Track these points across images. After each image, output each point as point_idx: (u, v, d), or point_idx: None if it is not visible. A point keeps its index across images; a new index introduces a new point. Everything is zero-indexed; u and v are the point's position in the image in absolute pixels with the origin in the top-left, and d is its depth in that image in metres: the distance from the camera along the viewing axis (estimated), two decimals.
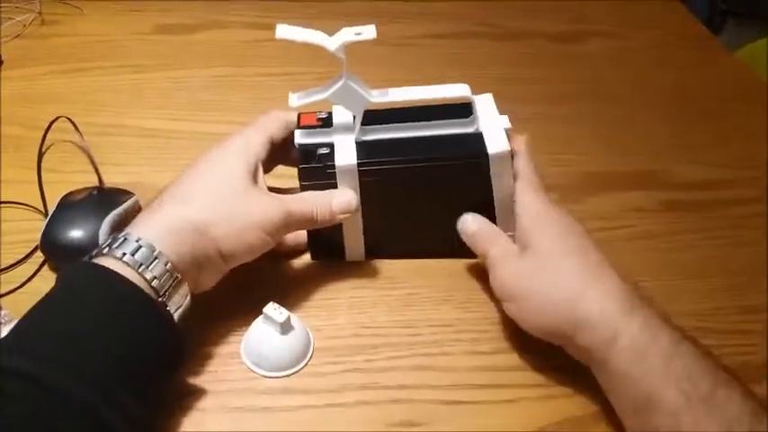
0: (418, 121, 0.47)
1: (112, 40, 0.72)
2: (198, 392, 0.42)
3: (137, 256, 0.37)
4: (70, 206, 0.49)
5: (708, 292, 0.50)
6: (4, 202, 0.52)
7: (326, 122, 0.47)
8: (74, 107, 0.59)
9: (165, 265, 0.38)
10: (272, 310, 0.42)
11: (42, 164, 0.54)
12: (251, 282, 0.48)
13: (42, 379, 0.32)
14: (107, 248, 0.38)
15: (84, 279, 0.37)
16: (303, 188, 0.46)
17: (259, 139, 0.45)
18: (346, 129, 0.46)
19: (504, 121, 0.47)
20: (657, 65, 0.77)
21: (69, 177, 0.54)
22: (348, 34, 0.42)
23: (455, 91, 0.46)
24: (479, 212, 0.48)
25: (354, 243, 0.49)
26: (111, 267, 0.37)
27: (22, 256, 0.48)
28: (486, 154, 0.45)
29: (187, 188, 0.42)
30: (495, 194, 0.47)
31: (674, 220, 0.56)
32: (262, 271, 0.49)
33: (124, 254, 0.37)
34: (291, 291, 0.48)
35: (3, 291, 0.46)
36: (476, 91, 0.47)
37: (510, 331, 0.47)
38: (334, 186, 0.46)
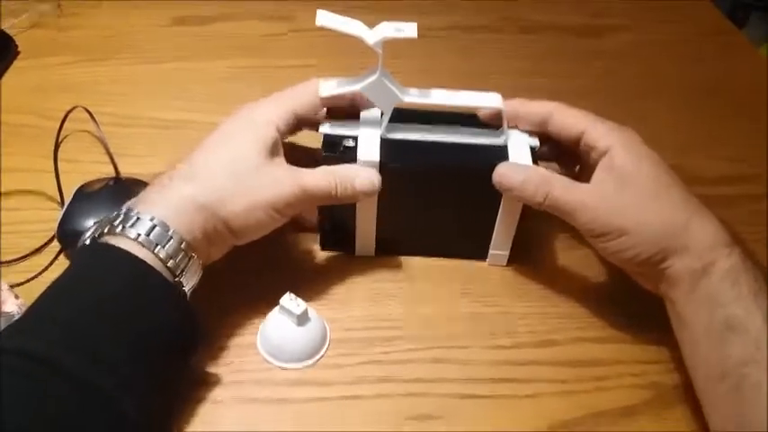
0: (446, 124, 0.46)
1: (130, 31, 0.72)
2: (214, 383, 0.41)
3: (152, 236, 0.37)
4: (87, 196, 0.49)
5: None
6: (21, 192, 0.52)
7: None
8: (90, 97, 0.59)
9: (180, 244, 0.38)
10: (289, 301, 0.42)
11: (59, 154, 0.54)
12: (268, 273, 0.48)
13: (55, 362, 0.32)
14: (120, 227, 0.37)
15: (101, 262, 0.37)
16: None
17: (280, 112, 0.44)
18: (373, 124, 0.46)
19: (533, 141, 0.46)
20: (679, 59, 0.75)
21: (86, 167, 0.54)
22: (388, 30, 0.41)
23: (488, 100, 0.46)
24: (481, 222, 0.47)
25: (366, 238, 0.49)
26: (126, 248, 0.36)
27: (39, 245, 0.48)
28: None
29: (198, 164, 0.41)
30: (500, 210, 0.46)
31: None
32: (279, 262, 0.49)
33: (139, 234, 0.37)
34: (308, 282, 0.47)
35: (19, 280, 0.46)
36: (499, 91, 0.46)
37: (527, 326, 0.46)
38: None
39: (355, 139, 0.45)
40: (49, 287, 0.36)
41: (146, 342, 0.36)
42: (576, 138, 0.45)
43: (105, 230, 0.38)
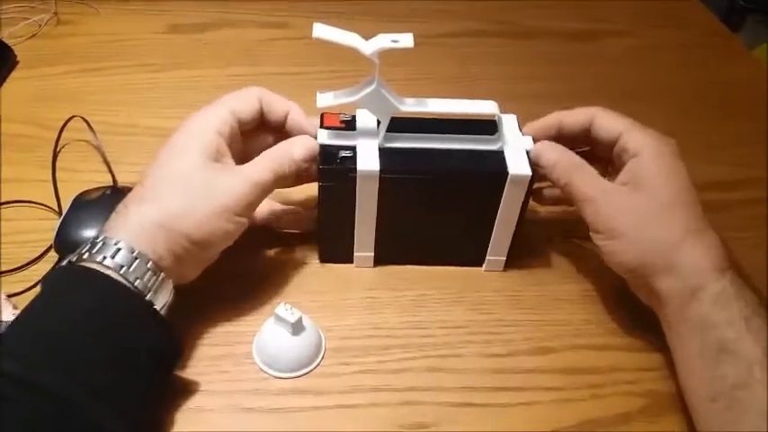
0: (442, 132, 0.46)
1: (126, 39, 0.72)
2: (209, 392, 0.42)
3: (117, 258, 0.37)
4: (84, 205, 0.50)
5: None
6: (19, 201, 0.53)
7: (350, 125, 0.47)
8: (88, 107, 0.59)
9: (146, 264, 0.38)
10: (284, 310, 0.42)
11: (57, 163, 0.54)
12: (264, 283, 0.48)
13: (34, 382, 0.32)
14: (87, 254, 0.38)
15: (71, 281, 0.37)
16: (321, 189, 0.45)
17: (219, 116, 0.43)
18: (370, 134, 0.46)
19: (528, 142, 0.47)
20: (675, 63, 0.76)
21: (83, 177, 0.54)
22: (385, 41, 0.41)
23: (483, 107, 0.46)
24: (478, 228, 0.48)
25: (365, 249, 0.49)
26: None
27: (36, 255, 0.48)
28: (507, 173, 0.45)
29: (147, 185, 0.41)
30: (498, 214, 0.47)
31: None
32: (275, 272, 0.49)
33: (104, 257, 0.37)
34: (303, 292, 0.48)
35: (17, 290, 0.46)
36: (496, 97, 0.47)
37: (523, 333, 0.46)
38: (354, 190, 0.45)
39: (353, 149, 0.45)
40: (22, 311, 0.37)
41: (123, 358, 0.36)
42: (613, 139, 0.45)
43: (74, 259, 0.38)
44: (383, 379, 0.43)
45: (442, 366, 0.44)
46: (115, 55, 0.69)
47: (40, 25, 0.72)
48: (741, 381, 0.36)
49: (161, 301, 0.39)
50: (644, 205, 0.42)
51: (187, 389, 0.41)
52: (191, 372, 0.42)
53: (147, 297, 0.38)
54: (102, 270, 0.37)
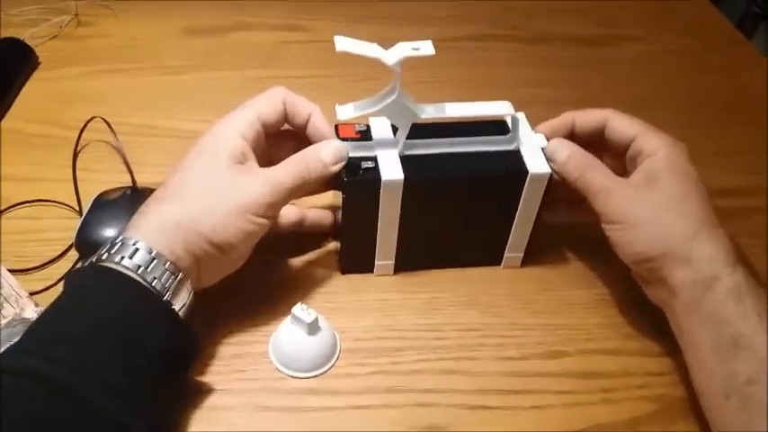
0: (456, 135, 0.47)
1: (145, 42, 0.73)
2: (226, 391, 0.42)
3: (135, 258, 0.37)
4: (104, 205, 0.50)
5: None
6: (40, 201, 0.54)
7: (365, 135, 0.46)
8: (107, 108, 0.60)
9: (165, 265, 0.38)
10: (301, 310, 0.42)
11: (77, 163, 0.55)
12: (280, 284, 0.49)
13: (56, 381, 0.33)
14: (106, 254, 0.38)
15: (91, 282, 0.38)
16: (346, 202, 0.45)
17: (244, 119, 0.44)
18: (388, 143, 0.46)
19: (541, 140, 0.47)
20: (687, 69, 0.76)
21: (103, 177, 0.55)
22: (406, 49, 0.41)
23: (499, 108, 0.46)
24: (497, 227, 0.49)
25: (386, 257, 0.49)
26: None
27: (57, 253, 0.49)
28: (527, 172, 0.45)
29: (172, 184, 0.42)
30: (518, 212, 0.47)
31: None
32: (291, 274, 0.50)
33: (122, 257, 0.37)
34: (319, 293, 0.48)
35: (38, 288, 0.47)
36: (508, 100, 0.47)
37: (536, 337, 0.47)
38: (377, 200, 0.45)
39: (374, 159, 0.45)
40: (45, 310, 0.37)
41: (140, 358, 0.36)
42: (628, 142, 0.46)
43: (94, 259, 0.39)
44: (397, 380, 0.44)
45: (456, 369, 0.44)
46: (134, 57, 0.70)
47: (61, 27, 0.73)
48: (754, 376, 0.37)
49: (180, 301, 0.39)
50: (657, 197, 0.43)
51: (204, 387, 0.42)
52: (208, 370, 0.43)
53: (165, 298, 0.38)
54: (121, 270, 0.37)
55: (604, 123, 0.47)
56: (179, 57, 0.71)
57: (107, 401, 0.34)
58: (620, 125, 0.47)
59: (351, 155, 0.45)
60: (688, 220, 0.42)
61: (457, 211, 0.47)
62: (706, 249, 0.41)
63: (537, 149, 0.47)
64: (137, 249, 0.38)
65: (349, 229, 0.47)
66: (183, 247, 0.39)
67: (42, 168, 0.57)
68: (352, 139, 0.46)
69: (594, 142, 0.48)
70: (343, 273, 0.50)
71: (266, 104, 0.45)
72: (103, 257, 0.38)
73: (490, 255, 0.51)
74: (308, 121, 0.46)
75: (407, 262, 0.50)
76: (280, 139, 0.47)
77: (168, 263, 0.38)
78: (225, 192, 0.41)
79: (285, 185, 0.42)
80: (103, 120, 0.58)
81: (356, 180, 0.44)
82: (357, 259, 0.49)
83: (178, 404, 0.41)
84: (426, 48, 0.42)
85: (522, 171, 0.45)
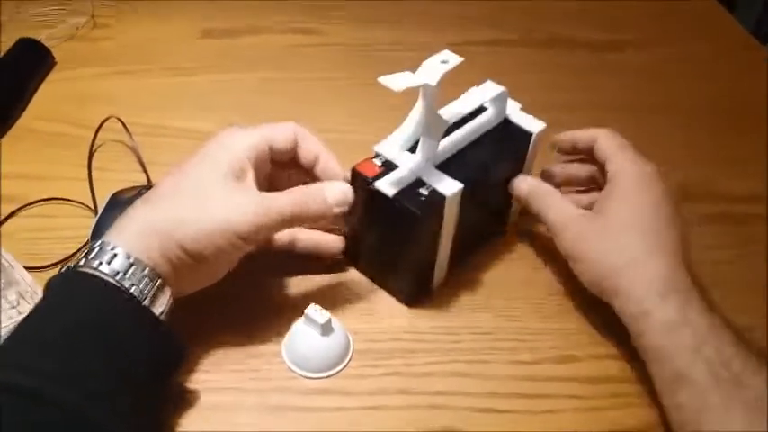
0: (451, 132, 0.47)
1: (160, 43, 0.73)
2: (239, 389, 0.42)
3: (113, 264, 0.36)
4: (119, 204, 0.51)
5: (747, 308, 0.48)
6: (56, 199, 0.54)
7: (388, 165, 0.45)
8: (122, 108, 0.60)
9: (144, 271, 0.37)
10: (314, 311, 0.43)
11: (93, 162, 0.56)
12: (294, 284, 0.49)
13: (37, 393, 0.32)
14: (84, 259, 0.37)
15: (68, 288, 0.37)
16: (418, 231, 0.44)
17: (253, 139, 0.42)
18: (416, 161, 0.44)
19: (515, 106, 0.50)
20: (701, 75, 0.75)
21: (118, 176, 0.55)
22: (437, 66, 0.41)
23: (490, 91, 0.48)
24: (503, 197, 0.51)
25: (441, 272, 0.48)
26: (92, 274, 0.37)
27: (72, 251, 0.50)
28: (531, 134, 0.49)
29: (162, 187, 0.41)
30: (522, 172, 0.50)
31: (717, 233, 0.55)
32: (305, 274, 0.50)
33: (100, 263, 0.37)
34: (333, 294, 0.49)
35: None
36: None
37: (548, 341, 0.47)
38: (442, 218, 0.44)
39: (420, 182, 0.44)
40: (23, 318, 0.37)
41: (118, 364, 0.35)
42: (604, 164, 0.47)
43: (79, 263, 0.38)
44: (409, 382, 0.44)
45: (468, 372, 0.44)
46: (149, 58, 0.71)
47: (78, 28, 0.73)
48: (701, 406, 0.37)
49: (158, 307, 0.38)
50: (599, 230, 0.44)
51: (217, 386, 0.42)
52: (221, 369, 0.43)
53: (144, 303, 0.37)
54: (99, 275, 0.36)
55: (594, 143, 0.48)
56: (193, 58, 0.72)
57: (83, 405, 0.33)
58: (602, 146, 0.48)
59: (399, 189, 0.43)
60: (621, 252, 0.43)
61: (477, 198, 0.46)
62: (637, 282, 0.42)
63: (521, 113, 0.50)
64: (115, 255, 0.37)
65: (415, 258, 0.46)
66: (159, 253, 0.38)
67: (58, 167, 0.57)
68: (383, 174, 0.44)
69: (593, 160, 0.50)
70: (410, 306, 0.48)
71: (278, 131, 0.44)
72: (81, 263, 0.37)
73: (495, 227, 0.53)
74: (314, 160, 0.45)
75: (451, 268, 0.49)
76: (288, 176, 0.46)
77: (147, 269, 0.37)
78: (214, 205, 0.40)
79: (279, 210, 0.41)
80: (119, 120, 0.58)
81: (422, 211, 0.42)
82: (420, 285, 0.48)
83: (164, 409, 0.40)
84: (453, 58, 0.42)
85: (527, 133, 0.49)
